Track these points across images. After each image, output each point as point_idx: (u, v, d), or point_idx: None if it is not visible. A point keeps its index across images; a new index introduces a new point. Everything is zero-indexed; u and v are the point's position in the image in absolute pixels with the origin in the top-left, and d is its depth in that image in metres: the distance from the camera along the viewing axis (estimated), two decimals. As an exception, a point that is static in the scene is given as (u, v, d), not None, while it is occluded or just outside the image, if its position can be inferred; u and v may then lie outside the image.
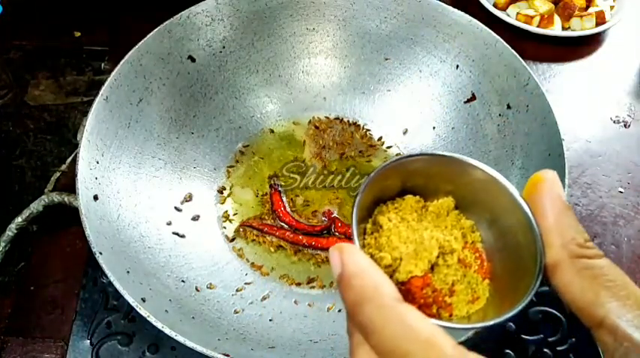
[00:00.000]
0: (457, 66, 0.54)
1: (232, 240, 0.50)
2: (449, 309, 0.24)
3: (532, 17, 0.70)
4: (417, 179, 0.26)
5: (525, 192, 0.23)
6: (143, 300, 0.38)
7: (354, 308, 0.19)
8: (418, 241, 0.24)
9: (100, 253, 0.38)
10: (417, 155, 0.25)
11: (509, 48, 0.50)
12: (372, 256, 0.24)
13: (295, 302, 0.47)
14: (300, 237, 0.50)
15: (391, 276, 0.23)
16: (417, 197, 0.26)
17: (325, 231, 0.51)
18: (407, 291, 0.23)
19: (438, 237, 0.24)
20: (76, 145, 0.51)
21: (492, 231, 0.25)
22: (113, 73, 0.47)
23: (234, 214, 0.52)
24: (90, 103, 0.46)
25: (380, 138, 0.57)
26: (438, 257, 0.24)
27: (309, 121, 0.58)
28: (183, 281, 0.45)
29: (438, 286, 0.24)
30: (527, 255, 0.22)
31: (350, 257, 0.20)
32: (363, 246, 0.25)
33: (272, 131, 0.57)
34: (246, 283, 0.47)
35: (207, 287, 0.46)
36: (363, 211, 0.25)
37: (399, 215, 0.25)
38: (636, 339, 0.18)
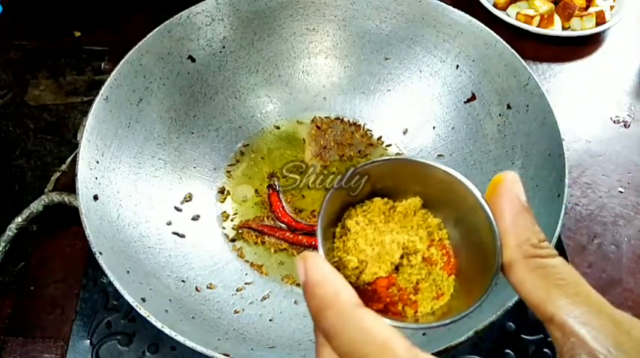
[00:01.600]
0: (457, 66, 0.54)
1: (232, 240, 0.50)
2: (414, 306, 0.25)
3: (532, 17, 0.70)
4: (386, 181, 0.27)
5: (487, 193, 0.24)
6: (143, 300, 0.38)
7: (316, 315, 0.21)
8: (383, 244, 0.25)
9: (100, 253, 0.38)
10: (382, 160, 0.26)
11: (509, 48, 0.50)
12: (340, 259, 0.25)
13: (295, 302, 0.47)
14: (300, 237, 0.50)
15: (358, 278, 0.25)
16: (385, 199, 0.27)
17: (325, 231, 0.51)
18: (373, 291, 0.25)
19: (400, 240, 0.25)
20: (76, 145, 0.51)
21: (459, 228, 0.26)
22: (113, 73, 0.47)
23: (234, 214, 0.52)
24: (90, 103, 0.46)
25: (380, 138, 0.57)
26: (402, 257, 0.25)
27: (312, 121, 0.58)
28: (183, 281, 0.45)
29: (402, 285, 0.25)
30: (490, 253, 0.23)
31: (312, 266, 0.21)
32: (332, 250, 0.26)
33: (278, 127, 0.58)
34: (246, 283, 0.47)
35: (207, 287, 0.46)
36: (332, 216, 0.26)
37: (367, 217, 0.26)
38: (582, 335, 0.19)
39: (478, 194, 0.24)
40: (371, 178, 0.26)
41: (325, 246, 0.24)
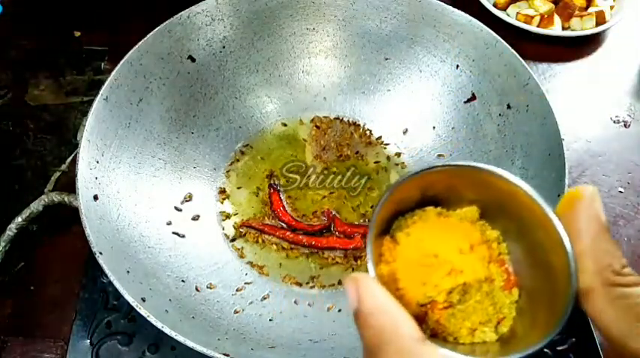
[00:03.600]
0: (457, 66, 0.54)
1: (232, 239, 0.50)
2: (472, 331, 0.23)
3: (532, 17, 0.70)
4: (439, 187, 0.24)
5: (560, 207, 0.21)
6: (143, 300, 0.38)
7: (373, 348, 0.19)
8: (437, 265, 0.22)
9: (100, 253, 0.38)
10: (437, 166, 0.23)
11: (510, 48, 0.50)
12: (390, 274, 0.23)
13: (295, 302, 0.47)
14: (300, 236, 0.50)
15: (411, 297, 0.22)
16: (439, 208, 0.24)
17: (325, 231, 0.51)
18: (425, 313, 0.22)
19: (457, 263, 0.22)
20: (76, 145, 0.51)
21: (521, 243, 0.23)
22: (113, 73, 0.47)
23: (234, 214, 0.52)
24: (90, 103, 0.46)
25: (379, 138, 0.57)
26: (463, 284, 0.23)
27: (312, 121, 0.58)
28: (183, 281, 0.45)
29: (460, 308, 0.22)
30: (559, 275, 0.21)
31: (366, 292, 0.19)
32: (379, 262, 0.23)
33: (285, 125, 0.58)
34: (246, 283, 0.47)
35: (207, 287, 0.46)
36: (382, 225, 0.24)
37: (418, 230, 0.24)
38: None
39: (548, 208, 0.21)
40: (421, 185, 0.23)
41: (375, 262, 0.22)
